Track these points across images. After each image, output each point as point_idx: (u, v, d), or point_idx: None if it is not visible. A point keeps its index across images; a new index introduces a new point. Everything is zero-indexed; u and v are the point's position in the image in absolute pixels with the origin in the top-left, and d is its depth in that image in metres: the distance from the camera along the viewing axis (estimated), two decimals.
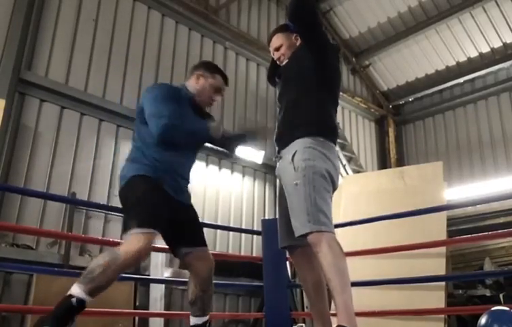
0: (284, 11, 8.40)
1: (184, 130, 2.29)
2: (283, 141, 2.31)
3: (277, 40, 2.53)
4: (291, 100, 2.35)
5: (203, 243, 2.43)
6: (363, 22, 8.69)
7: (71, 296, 1.93)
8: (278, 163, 2.36)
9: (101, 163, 5.42)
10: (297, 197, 2.13)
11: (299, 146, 2.19)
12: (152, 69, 6.18)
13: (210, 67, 2.59)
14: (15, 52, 4.86)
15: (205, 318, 2.40)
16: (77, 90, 5.37)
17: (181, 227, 2.36)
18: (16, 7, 5.01)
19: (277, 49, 2.52)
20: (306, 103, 2.29)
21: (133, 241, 2.05)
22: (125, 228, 2.17)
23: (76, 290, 1.94)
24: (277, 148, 2.37)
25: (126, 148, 5.67)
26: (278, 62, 2.54)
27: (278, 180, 2.43)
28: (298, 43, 2.47)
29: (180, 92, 2.45)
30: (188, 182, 2.46)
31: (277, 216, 2.46)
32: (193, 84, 2.51)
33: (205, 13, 6.89)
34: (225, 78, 2.59)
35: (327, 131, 2.29)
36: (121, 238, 2.24)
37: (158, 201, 2.19)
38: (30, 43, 5.10)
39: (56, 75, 5.26)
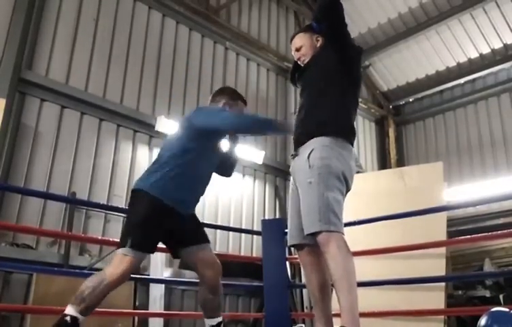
0: (285, 12, 8.42)
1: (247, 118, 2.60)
2: (301, 139, 2.33)
3: (299, 40, 2.55)
4: (311, 99, 2.37)
5: (204, 240, 2.54)
6: (364, 22, 8.69)
7: (65, 315, 2.13)
8: (293, 161, 2.38)
9: (101, 162, 5.42)
10: (310, 195, 2.14)
11: (317, 145, 2.21)
12: (152, 69, 6.18)
13: (234, 96, 2.75)
14: (15, 52, 4.85)
15: (219, 319, 2.55)
16: (77, 89, 5.36)
17: (181, 232, 2.48)
18: (16, 6, 5.00)
19: (298, 49, 2.54)
20: (326, 103, 2.30)
21: (120, 263, 2.23)
22: (120, 240, 2.33)
23: (69, 310, 2.14)
24: (294, 146, 2.39)
25: (126, 148, 5.71)
26: (299, 62, 2.55)
27: (291, 178, 2.45)
28: (319, 44, 2.49)
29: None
30: (198, 198, 2.60)
31: (288, 214, 2.48)
32: None
33: (206, 13, 6.89)
34: (245, 103, 2.78)
35: (346, 131, 2.30)
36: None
37: (154, 224, 2.33)
38: (30, 43, 5.09)
39: (56, 74, 5.26)
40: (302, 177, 2.22)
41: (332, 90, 2.32)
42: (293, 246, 2.45)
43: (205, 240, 2.54)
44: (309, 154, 2.20)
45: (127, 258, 2.23)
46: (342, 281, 2.01)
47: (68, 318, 2.12)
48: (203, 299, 2.53)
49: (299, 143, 2.34)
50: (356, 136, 2.40)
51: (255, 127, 2.63)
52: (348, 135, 2.30)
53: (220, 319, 2.55)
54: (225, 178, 2.86)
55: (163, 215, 2.34)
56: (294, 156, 2.37)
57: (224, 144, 2.73)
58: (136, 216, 2.34)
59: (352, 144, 2.33)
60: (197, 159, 2.46)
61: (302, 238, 2.28)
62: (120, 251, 2.26)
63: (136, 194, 2.39)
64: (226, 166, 2.78)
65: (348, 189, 2.27)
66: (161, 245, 2.62)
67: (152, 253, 2.44)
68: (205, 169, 2.56)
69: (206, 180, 2.61)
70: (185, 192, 2.44)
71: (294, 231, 2.37)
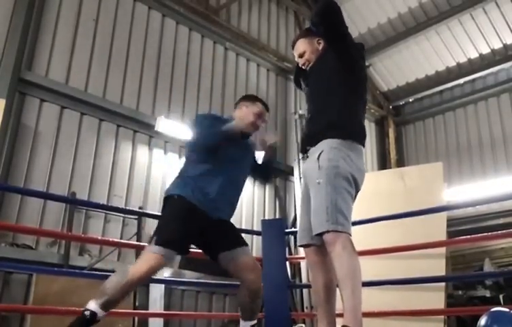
0: (284, 12, 8.41)
1: (218, 131, 2.49)
2: (311, 141, 2.36)
3: (301, 46, 2.57)
4: (318, 102, 2.39)
5: (240, 243, 2.56)
6: (364, 22, 8.69)
7: (86, 310, 2.17)
8: (304, 163, 2.42)
9: (101, 162, 5.42)
10: (318, 195, 2.17)
11: (326, 146, 2.23)
12: (152, 69, 6.17)
13: (251, 97, 2.90)
14: (15, 52, 4.85)
15: (253, 322, 2.59)
16: (77, 90, 5.36)
17: (214, 237, 2.52)
18: (16, 6, 5.00)
19: (301, 55, 2.56)
20: (333, 105, 2.32)
21: (146, 260, 2.25)
22: (152, 237, 2.40)
23: (91, 304, 2.17)
24: (305, 149, 2.42)
25: (126, 148, 5.71)
26: (303, 67, 2.57)
27: (302, 180, 2.48)
28: (321, 47, 2.51)
29: (227, 120, 2.69)
30: (232, 203, 2.68)
31: (298, 215, 2.52)
32: (238, 114, 2.76)
33: (206, 13, 6.89)
34: (265, 105, 2.86)
35: (355, 132, 2.32)
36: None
37: (184, 225, 2.37)
38: (30, 43, 5.09)
39: (56, 75, 5.26)
40: (312, 178, 2.24)
41: (338, 92, 2.33)
42: (301, 246, 2.46)
43: (241, 243, 2.55)
44: (318, 155, 2.23)
45: (154, 256, 2.25)
46: (346, 280, 2.02)
47: (87, 313, 2.15)
48: (243, 302, 2.54)
49: (309, 145, 2.37)
50: (365, 137, 2.40)
51: (216, 138, 2.54)
52: (356, 136, 2.32)
53: (254, 322, 2.58)
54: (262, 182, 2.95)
55: (190, 214, 2.38)
56: (305, 158, 2.40)
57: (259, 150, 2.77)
58: (164, 217, 2.44)
59: (362, 145, 2.34)
60: (219, 164, 2.52)
61: (311, 239, 2.31)
62: (148, 248, 2.32)
63: (165, 199, 2.49)
64: (260, 170, 2.88)
65: (357, 190, 2.29)
66: None
67: (185, 254, 2.46)
68: (233, 173, 2.61)
69: (236, 184, 2.67)
70: (212, 195, 2.47)
71: (303, 232, 2.39)
